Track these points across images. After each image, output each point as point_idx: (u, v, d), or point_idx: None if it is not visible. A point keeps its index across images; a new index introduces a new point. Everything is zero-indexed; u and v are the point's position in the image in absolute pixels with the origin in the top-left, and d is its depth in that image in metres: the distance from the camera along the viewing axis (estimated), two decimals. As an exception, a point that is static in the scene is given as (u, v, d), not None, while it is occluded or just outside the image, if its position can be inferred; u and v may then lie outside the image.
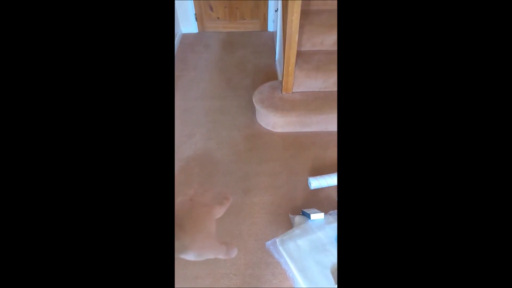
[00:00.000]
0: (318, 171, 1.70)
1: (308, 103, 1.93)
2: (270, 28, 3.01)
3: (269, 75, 2.44)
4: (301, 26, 1.86)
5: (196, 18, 2.96)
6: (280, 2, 2.20)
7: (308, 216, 1.43)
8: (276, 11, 2.65)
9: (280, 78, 2.23)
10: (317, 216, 1.41)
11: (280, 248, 1.32)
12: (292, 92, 2.01)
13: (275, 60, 2.59)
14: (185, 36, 2.98)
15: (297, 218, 1.47)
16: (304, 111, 1.89)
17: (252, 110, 2.08)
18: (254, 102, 1.99)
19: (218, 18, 2.96)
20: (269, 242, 1.38)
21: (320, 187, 1.62)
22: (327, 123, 1.93)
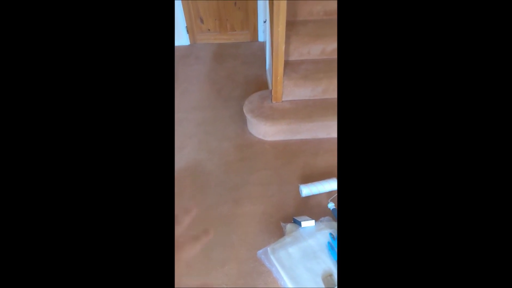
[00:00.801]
0: (309, 179, 1.72)
1: (298, 111, 1.96)
2: (261, 38, 3.07)
3: (260, 84, 2.48)
4: (288, 37, 1.91)
5: (187, 31, 3.01)
6: (268, 13, 2.25)
7: (299, 223, 1.44)
8: (265, 22, 2.71)
9: (270, 87, 2.26)
10: (307, 224, 1.42)
11: (272, 257, 1.33)
12: (282, 101, 2.04)
13: (266, 70, 2.63)
14: (176, 48, 3.02)
15: (289, 226, 1.48)
16: (294, 119, 1.92)
17: (243, 120, 2.11)
18: (244, 112, 2.01)
19: (209, 30, 3.01)
20: (260, 251, 1.38)
21: (311, 194, 1.63)
22: (317, 130, 1.96)
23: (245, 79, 2.57)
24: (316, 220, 1.46)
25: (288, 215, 1.57)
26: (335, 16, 2.12)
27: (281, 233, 1.49)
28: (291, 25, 2.03)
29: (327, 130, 1.96)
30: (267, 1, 2.17)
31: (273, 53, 1.80)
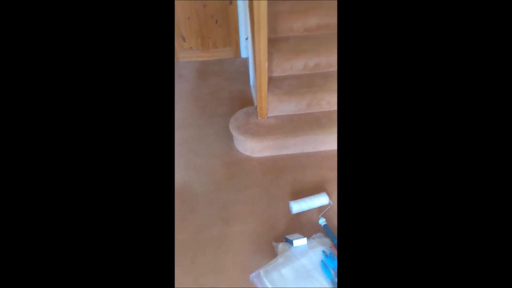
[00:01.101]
0: (299, 194, 1.70)
1: (283, 126, 1.97)
2: (243, 54, 3.09)
3: (244, 100, 2.48)
4: (270, 53, 1.92)
5: (169, 49, 3.00)
6: (249, 31, 2.27)
7: (291, 242, 1.41)
8: (247, 39, 2.74)
9: (255, 103, 2.27)
10: (299, 242, 1.39)
11: (265, 279, 1.29)
12: (268, 117, 2.04)
13: (250, 85, 2.65)
14: (159, 67, 2.99)
15: (281, 246, 1.45)
16: (280, 135, 1.92)
17: (230, 137, 2.09)
18: (230, 129, 2.00)
19: (191, 48, 3.02)
20: (253, 274, 1.34)
21: (301, 210, 1.62)
22: (303, 144, 1.96)
23: (229, 95, 2.57)
24: (308, 237, 1.44)
25: (280, 233, 1.54)
26: (315, 32, 2.17)
27: (273, 253, 1.46)
28: (273, 42, 2.06)
29: (313, 144, 1.97)
30: (248, 19, 2.20)
31: (256, 71, 1.81)
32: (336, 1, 2.14)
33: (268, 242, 1.50)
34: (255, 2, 1.55)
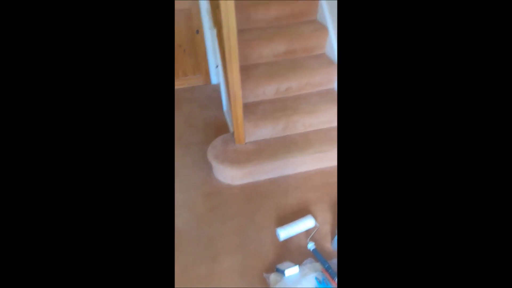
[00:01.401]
0: (284, 220, 1.69)
1: (262, 151, 1.97)
2: (214, 81, 3.11)
3: (219, 126, 2.46)
4: (242, 81, 1.95)
5: (137, 80, 2.94)
6: (219, 59, 2.30)
7: (282, 272, 1.38)
8: (217, 67, 2.76)
9: (231, 129, 2.26)
10: (291, 271, 1.36)
11: (260, 317, 1.24)
12: (245, 143, 2.04)
13: (223, 111, 2.65)
14: (127, 98, 2.91)
15: (272, 277, 1.41)
16: (259, 160, 1.91)
17: (208, 165, 2.05)
18: (209, 159, 1.96)
19: (160, 77, 2.98)
20: (247, 312, 1.28)
21: (289, 236, 1.59)
22: (283, 168, 1.97)
23: (204, 122, 2.54)
24: (299, 264, 1.42)
25: (270, 263, 1.50)
26: (284, 58, 2.24)
27: (265, 285, 1.41)
28: (244, 69, 2.09)
29: (292, 166, 1.99)
30: (217, 47, 2.23)
31: (231, 99, 1.82)
32: (299, 29, 2.24)
33: (258, 274, 1.46)
34: (225, 34, 1.58)
